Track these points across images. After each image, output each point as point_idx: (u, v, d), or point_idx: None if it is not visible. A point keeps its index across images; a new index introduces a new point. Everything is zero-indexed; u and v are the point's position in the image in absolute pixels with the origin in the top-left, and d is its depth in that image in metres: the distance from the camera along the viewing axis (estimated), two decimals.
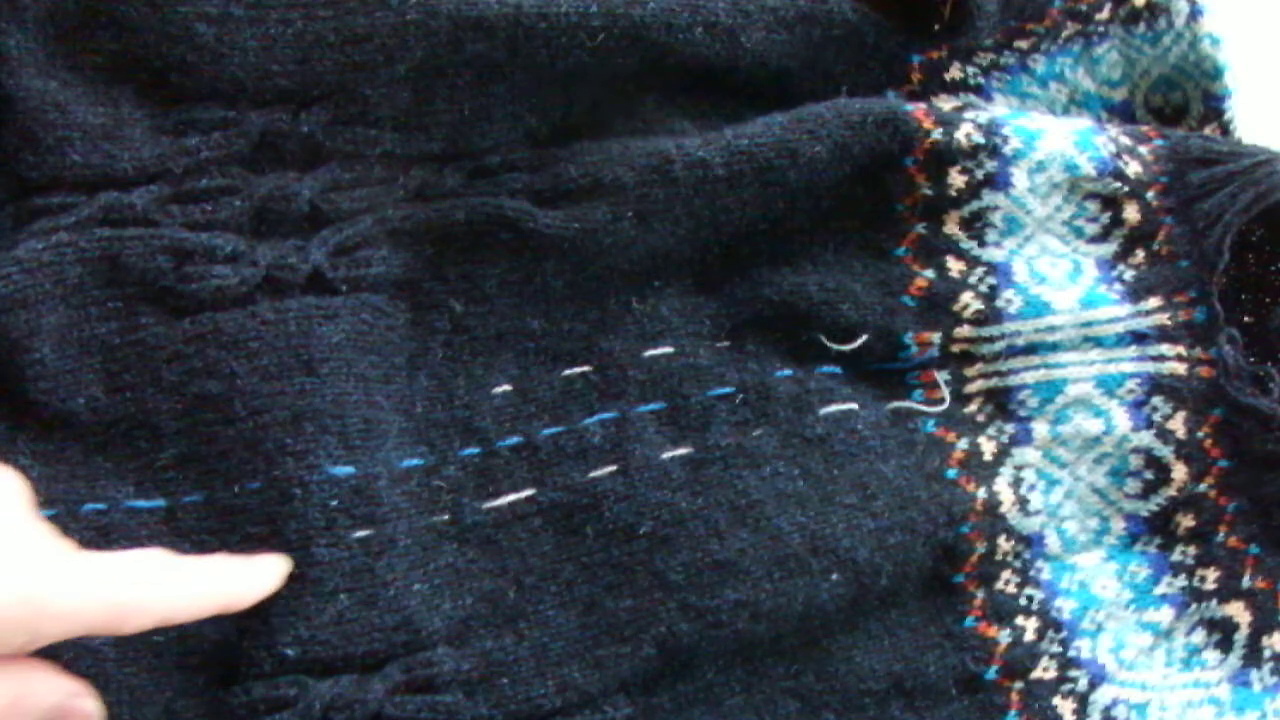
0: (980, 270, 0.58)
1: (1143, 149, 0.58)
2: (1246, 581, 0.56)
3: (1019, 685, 0.55)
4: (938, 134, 0.56)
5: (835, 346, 0.57)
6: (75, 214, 0.51)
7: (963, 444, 0.57)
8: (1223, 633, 0.56)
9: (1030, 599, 0.56)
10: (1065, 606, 0.56)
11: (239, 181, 0.53)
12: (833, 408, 0.56)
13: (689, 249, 0.57)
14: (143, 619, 0.45)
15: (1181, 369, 0.57)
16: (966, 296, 0.57)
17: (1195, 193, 0.58)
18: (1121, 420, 0.57)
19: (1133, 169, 0.57)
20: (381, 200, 0.53)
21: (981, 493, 0.56)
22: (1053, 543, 0.57)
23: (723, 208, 0.56)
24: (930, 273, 0.58)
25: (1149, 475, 0.57)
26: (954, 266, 0.58)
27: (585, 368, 0.56)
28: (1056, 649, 0.56)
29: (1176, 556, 0.57)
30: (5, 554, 0.43)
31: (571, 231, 0.54)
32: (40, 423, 0.51)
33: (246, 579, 0.49)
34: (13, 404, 0.51)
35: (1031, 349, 0.57)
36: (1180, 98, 0.62)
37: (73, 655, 0.49)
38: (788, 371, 0.57)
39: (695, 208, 0.55)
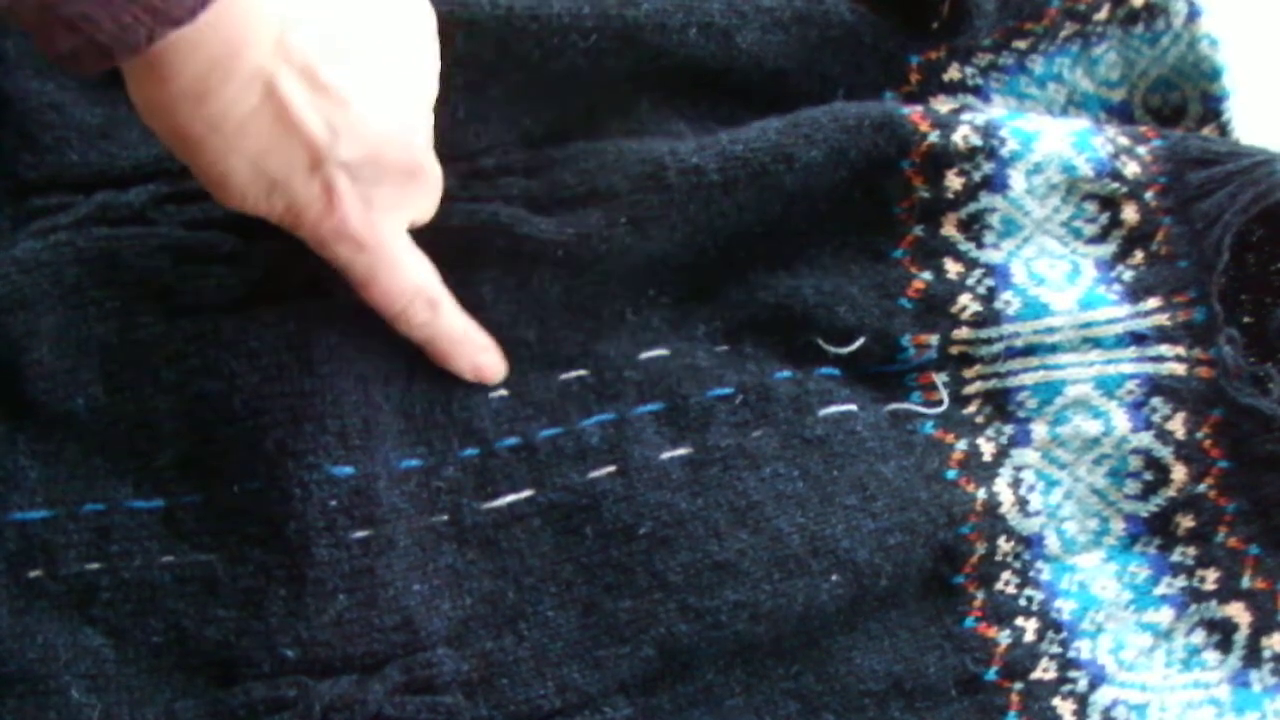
0: (978, 272, 0.58)
1: (1141, 149, 0.58)
2: (1246, 582, 0.56)
3: (1019, 686, 0.55)
4: (934, 136, 0.57)
5: (833, 349, 0.57)
6: (73, 214, 0.52)
7: (962, 445, 0.57)
8: (1222, 633, 0.56)
9: (1030, 600, 0.56)
10: (1065, 607, 0.56)
11: None
12: (832, 409, 0.56)
13: (685, 254, 0.57)
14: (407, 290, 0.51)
15: (1181, 370, 0.56)
16: (964, 298, 0.57)
17: (1194, 193, 0.57)
18: (1121, 421, 0.56)
19: (1131, 169, 0.57)
20: None
21: (981, 494, 0.56)
22: (1052, 544, 0.57)
23: (718, 213, 0.56)
24: (928, 275, 0.58)
25: (1148, 476, 0.57)
26: (952, 268, 0.58)
27: (582, 372, 0.56)
28: (1056, 650, 0.56)
29: (1176, 557, 0.57)
30: (422, 91, 0.49)
31: (566, 238, 0.54)
32: (39, 423, 0.52)
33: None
34: (12, 404, 0.51)
35: (1030, 350, 0.57)
36: (1178, 98, 0.62)
37: (71, 655, 0.50)
38: (787, 373, 0.57)
39: (690, 213, 0.55)
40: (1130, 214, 0.58)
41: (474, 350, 0.54)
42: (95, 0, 0.38)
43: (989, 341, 0.57)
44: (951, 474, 0.56)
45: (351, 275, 0.50)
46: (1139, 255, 0.58)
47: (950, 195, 0.57)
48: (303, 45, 0.44)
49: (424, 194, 0.51)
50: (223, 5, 0.41)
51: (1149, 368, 0.57)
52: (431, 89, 0.49)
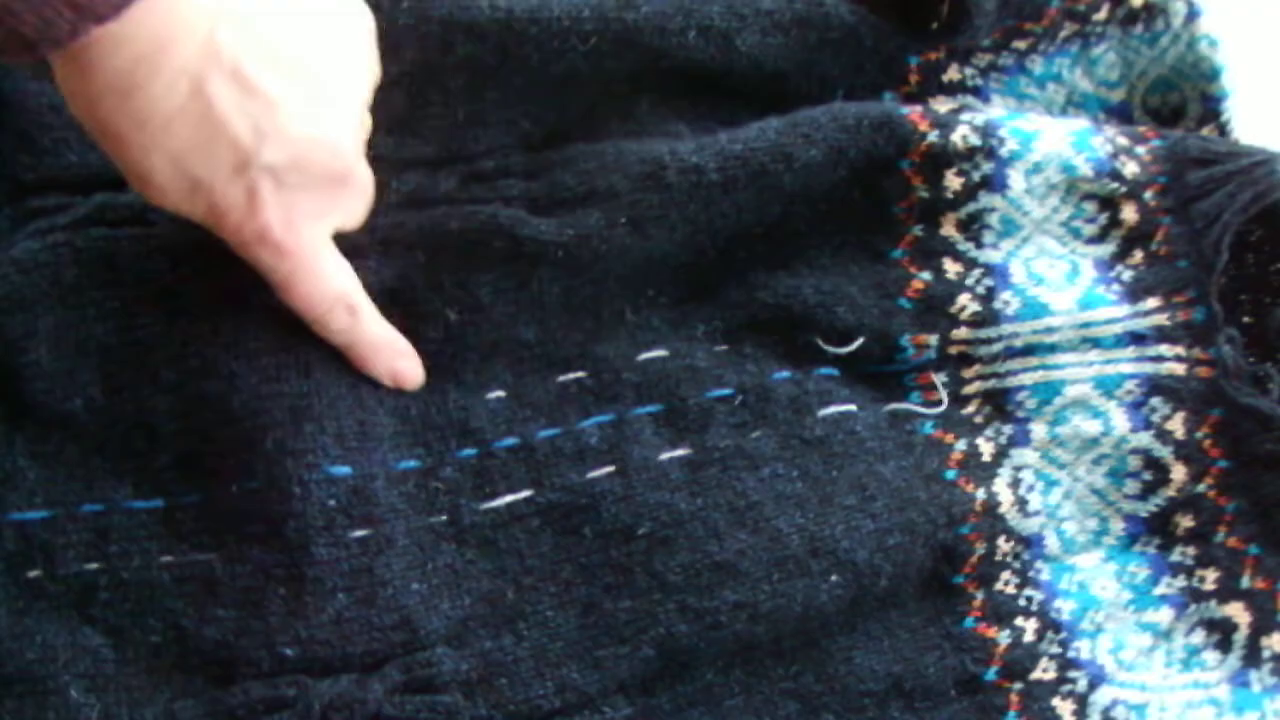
0: (977, 272, 0.58)
1: (1140, 149, 0.58)
2: (1246, 582, 0.56)
3: (1018, 686, 0.55)
4: (933, 136, 0.57)
5: (832, 349, 0.57)
6: (71, 214, 0.52)
7: (961, 445, 0.57)
8: (1222, 633, 0.56)
9: (1029, 600, 0.56)
10: (1064, 607, 0.56)
11: None
12: (831, 409, 0.56)
13: (685, 254, 0.57)
14: (323, 295, 0.50)
15: (1180, 369, 0.56)
16: (964, 298, 0.57)
17: (1193, 193, 0.57)
18: (1120, 421, 0.56)
19: (1130, 169, 0.57)
20: (375, 204, 0.53)
21: (980, 494, 0.56)
22: (1052, 544, 0.57)
23: (718, 213, 0.56)
24: (927, 275, 0.58)
25: (1148, 476, 0.57)
26: (951, 268, 0.58)
27: (580, 373, 0.56)
28: (1056, 650, 0.56)
29: (1176, 557, 0.57)
30: (354, 97, 0.48)
31: (566, 239, 0.54)
32: (38, 423, 0.52)
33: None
34: (11, 405, 0.52)
35: (1029, 350, 0.57)
36: (1178, 98, 0.62)
37: (71, 655, 0.50)
38: (786, 373, 0.57)
39: (690, 213, 0.55)
40: (1129, 214, 0.58)
41: (391, 356, 0.54)
42: None
43: (988, 341, 0.57)
44: (951, 474, 0.56)
45: (272, 280, 0.49)
46: (1138, 255, 0.58)
47: (949, 195, 0.57)
48: (232, 45, 0.43)
49: (352, 200, 0.50)
50: (148, 2, 0.40)
51: (1148, 368, 0.57)
52: (364, 95, 0.49)
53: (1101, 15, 0.61)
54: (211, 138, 0.44)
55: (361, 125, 0.49)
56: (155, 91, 0.43)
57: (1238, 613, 0.56)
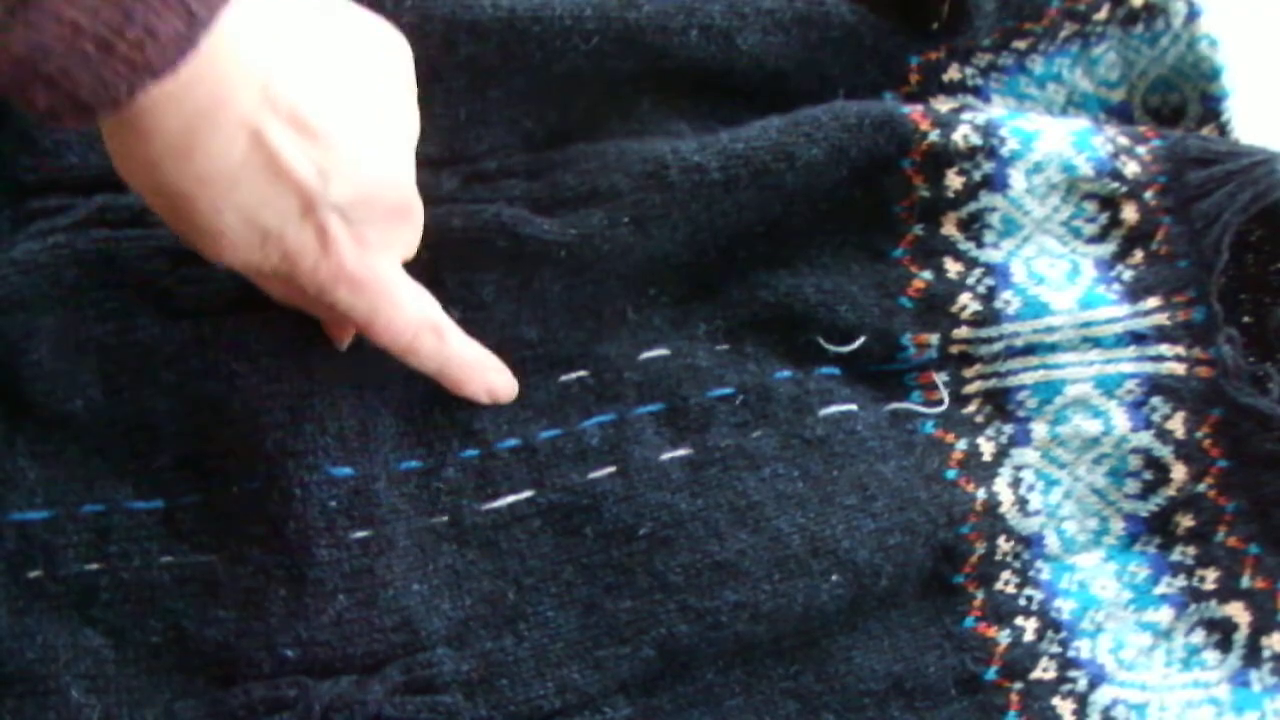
0: (978, 271, 0.58)
1: (1140, 149, 0.58)
2: (1246, 581, 0.56)
3: (1018, 686, 0.55)
4: (935, 135, 0.57)
5: (833, 348, 0.57)
6: (72, 216, 0.52)
7: (962, 445, 0.57)
8: (1222, 633, 0.56)
9: (1030, 599, 0.56)
10: (1065, 607, 0.56)
11: None
12: (832, 409, 0.56)
13: (686, 253, 0.57)
14: (408, 328, 0.50)
15: (1180, 369, 0.56)
16: (964, 298, 0.57)
17: (1193, 193, 0.57)
18: (1120, 421, 0.56)
19: (1131, 169, 0.57)
20: None
21: (981, 493, 0.56)
22: (1052, 543, 0.57)
23: (719, 212, 0.56)
24: (928, 274, 0.58)
25: (1148, 475, 0.57)
26: (952, 268, 0.58)
27: (582, 373, 0.56)
28: (1056, 649, 0.56)
29: (1176, 557, 0.57)
30: (405, 131, 0.48)
31: (569, 238, 0.54)
32: (39, 424, 0.52)
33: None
34: (11, 405, 0.51)
35: (1030, 350, 0.57)
36: (1178, 98, 0.62)
37: (71, 655, 0.50)
38: (787, 373, 0.57)
39: (692, 212, 0.55)
40: (1130, 213, 0.58)
41: (485, 373, 0.54)
42: (72, 54, 0.37)
43: (989, 341, 0.57)
44: (951, 474, 0.56)
45: (354, 317, 0.49)
46: (1138, 255, 0.58)
47: (950, 194, 0.57)
48: (287, 91, 0.43)
49: (411, 231, 0.50)
50: (205, 54, 0.39)
51: (1149, 367, 0.57)
52: (414, 128, 0.49)
53: (1101, 15, 0.61)
54: (277, 185, 0.43)
55: (413, 156, 0.49)
56: (216, 147, 0.42)
57: (1238, 612, 0.56)
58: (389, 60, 0.47)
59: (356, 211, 0.46)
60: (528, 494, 0.54)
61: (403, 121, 0.48)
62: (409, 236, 0.50)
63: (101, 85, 0.37)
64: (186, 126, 0.41)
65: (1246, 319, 0.59)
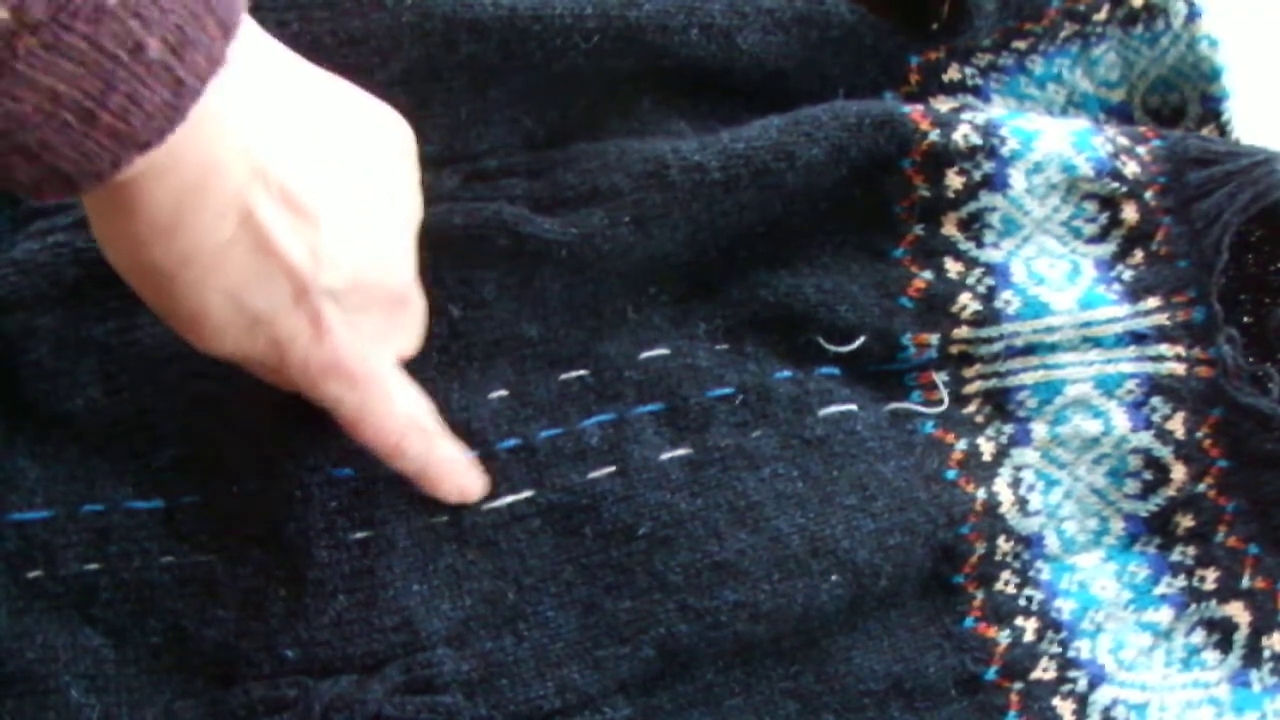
0: (978, 271, 0.58)
1: (1140, 149, 0.58)
2: (1246, 581, 0.56)
3: (1018, 686, 0.55)
4: (935, 135, 0.56)
5: (833, 348, 0.57)
6: (72, 215, 0.52)
7: (961, 445, 0.57)
8: (1222, 633, 0.56)
9: (1030, 599, 0.56)
10: (1065, 607, 0.56)
11: None
12: (832, 409, 0.56)
13: (686, 253, 0.57)
14: (391, 427, 0.48)
15: (1180, 369, 0.57)
16: (964, 297, 0.57)
17: (1193, 193, 0.57)
18: (1120, 421, 0.56)
19: (1131, 169, 0.57)
20: None
21: (981, 493, 0.56)
22: (1052, 543, 0.57)
23: (720, 211, 0.56)
24: (928, 274, 0.58)
25: (1148, 476, 0.57)
26: (952, 268, 0.58)
27: (582, 371, 0.56)
28: (1056, 649, 0.56)
29: (1176, 557, 0.57)
30: (405, 215, 0.46)
31: (569, 237, 0.54)
32: (39, 423, 0.52)
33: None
34: (11, 405, 0.51)
35: (1030, 350, 0.57)
36: (1178, 99, 0.62)
37: (71, 655, 0.50)
38: (787, 373, 0.57)
39: (692, 212, 0.55)
40: (1130, 214, 0.58)
41: (460, 474, 0.52)
42: (51, 124, 0.34)
43: (989, 341, 0.57)
44: (951, 474, 0.56)
45: (341, 413, 0.47)
46: (1139, 255, 0.58)
47: (950, 194, 0.57)
48: (279, 167, 0.40)
49: (411, 321, 0.48)
50: (194, 125, 0.37)
51: (1149, 367, 0.57)
52: (415, 212, 0.47)
53: (1101, 15, 0.61)
54: (266, 266, 0.41)
55: (413, 246, 0.47)
56: (203, 224, 0.40)
57: (1238, 612, 0.56)
58: (389, 142, 0.46)
59: (351, 299, 0.44)
60: (527, 494, 0.53)
61: (402, 205, 0.46)
62: (407, 330, 0.48)
63: (84, 157, 0.35)
64: (173, 202, 0.39)
65: (1246, 319, 0.59)
